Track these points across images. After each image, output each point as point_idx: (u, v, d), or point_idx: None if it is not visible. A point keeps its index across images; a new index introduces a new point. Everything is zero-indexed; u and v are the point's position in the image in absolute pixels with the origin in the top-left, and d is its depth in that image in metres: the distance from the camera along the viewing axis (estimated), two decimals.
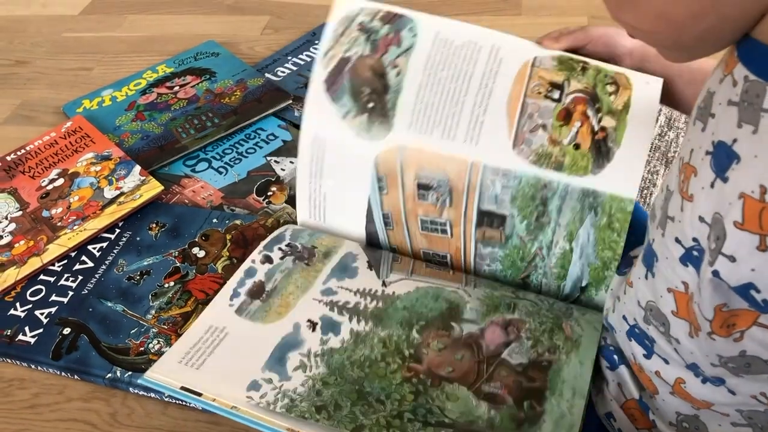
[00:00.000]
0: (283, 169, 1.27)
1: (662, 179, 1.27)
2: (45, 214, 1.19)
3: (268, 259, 0.96)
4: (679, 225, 0.61)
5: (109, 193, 1.21)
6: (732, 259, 0.54)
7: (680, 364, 0.68)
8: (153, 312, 1.03)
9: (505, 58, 0.93)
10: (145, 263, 1.10)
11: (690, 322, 0.63)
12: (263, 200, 1.22)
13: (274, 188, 1.24)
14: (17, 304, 1.07)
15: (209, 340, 0.86)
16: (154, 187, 1.21)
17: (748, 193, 0.52)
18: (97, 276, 1.09)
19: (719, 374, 0.64)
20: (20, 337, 1.02)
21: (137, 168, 1.25)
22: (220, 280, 0.96)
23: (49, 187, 1.24)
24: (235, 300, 0.91)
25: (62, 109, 1.48)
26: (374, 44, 0.97)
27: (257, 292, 0.92)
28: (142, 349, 0.98)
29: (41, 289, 1.09)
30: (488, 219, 0.91)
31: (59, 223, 1.17)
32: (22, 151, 1.33)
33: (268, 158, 1.30)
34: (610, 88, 0.91)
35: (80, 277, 1.10)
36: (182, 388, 0.80)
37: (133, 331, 1.01)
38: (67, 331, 1.02)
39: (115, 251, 1.13)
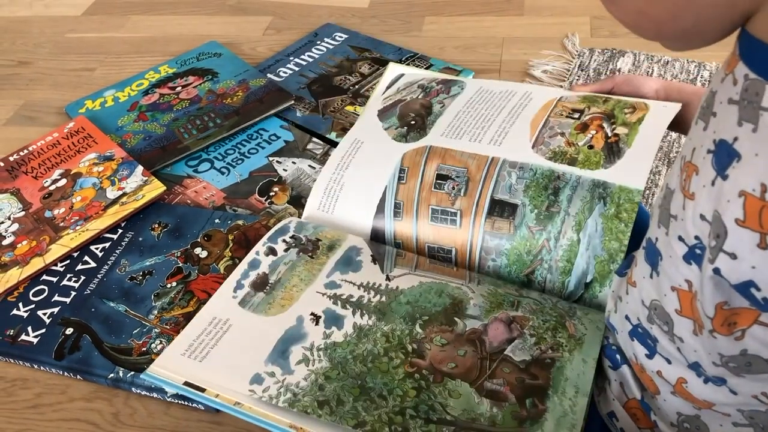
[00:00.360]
0: (285, 170, 1.27)
1: (664, 179, 1.27)
2: (47, 214, 1.19)
3: (272, 251, 0.97)
4: (682, 223, 0.61)
5: (111, 193, 1.21)
6: (733, 256, 0.53)
7: (682, 364, 0.68)
8: (155, 312, 1.03)
9: (535, 98, 1.07)
10: (148, 263, 1.10)
11: (694, 320, 0.63)
12: (265, 200, 1.22)
13: (276, 188, 1.24)
14: (20, 304, 1.07)
15: (212, 332, 0.86)
16: (156, 188, 1.21)
17: (749, 191, 0.52)
18: (99, 276, 1.09)
19: (721, 374, 0.64)
20: (23, 337, 1.02)
21: (140, 168, 1.25)
22: (222, 281, 0.96)
23: (52, 187, 1.24)
24: (238, 292, 0.91)
25: (65, 109, 1.48)
26: (427, 92, 1.15)
27: (261, 284, 0.92)
28: (144, 349, 0.98)
29: (44, 290, 1.09)
30: (499, 208, 0.94)
31: (62, 224, 1.17)
32: (25, 151, 1.33)
33: (270, 159, 1.30)
34: (628, 110, 1.00)
35: (83, 278, 1.10)
36: (185, 383, 0.80)
37: (135, 331, 1.01)
38: (69, 331, 1.02)
39: (117, 251, 1.13)
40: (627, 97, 1.03)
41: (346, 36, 1.63)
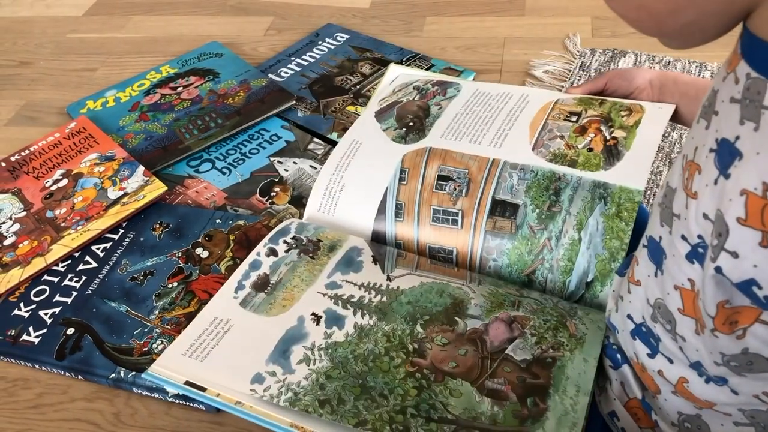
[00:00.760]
0: (286, 170, 1.27)
1: (665, 179, 1.27)
2: (49, 214, 1.19)
3: (273, 252, 0.97)
4: (685, 222, 0.61)
5: (112, 193, 1.21)
6: (735, 255, 0.53)
7: (684, 363, 0.68)
8: (156, 312, 1.03)
9: (532, 101, 1.09)
10: (149, 264, 1.10)
11: (696, 319, 0.63)
12: (266, 201, 1.22)
13: (277, 189, 1.24)
14: (21, 305, 1.07)
15: (214, 332, 0.86)
16: (157, 188, 1.21)
17: (751, 190, 0.51)
18: (100, 276, 1.09)
19: (722, 374, 0.64)
20: (24, 337, 1.02)
21: (141, 168, 1.25)
22: (223, 281, 0.96)
23: (53, 187, 1.25)
24: (239, 292, 0.91)
25: (66, 109, 1.48)
26: (423, 94, 1.16)
27: (262, 284, 0.92)
28: (145, 349, 0.98)
29: (45, 290, 1.09)
30: (501, 208, 0.95)
31: (63, 224, 1.17)
32: (26, 151, 1.33)
33: (272, 159, 1.30)
34: (624, 113, 1.01)
35: (84, 278, 1.10)
36: (186, 383, 0.80)
37: (136, 331, 1.01)
38: (70, 331, 1.02)
39: (118, 252, 1.13)
40: (622, 99, 1.04)
41: (348, 36, 1.63)
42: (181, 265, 1.09)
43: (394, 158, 1.03)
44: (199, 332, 0.86)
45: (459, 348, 0.82)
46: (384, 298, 0.89)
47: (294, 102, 1.41)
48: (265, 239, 0.99)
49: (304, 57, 1.57)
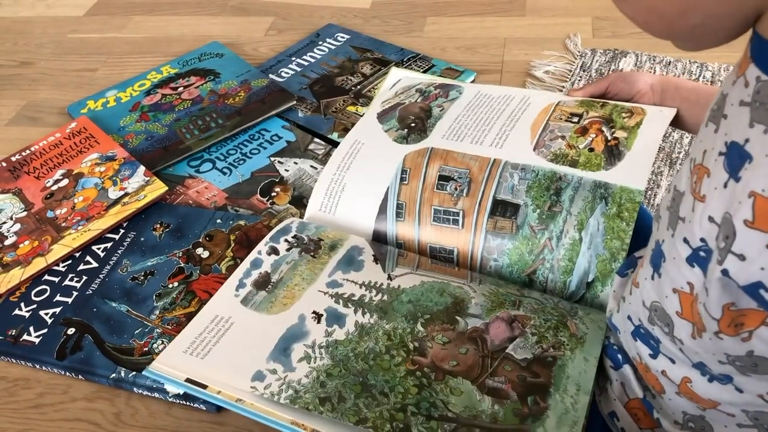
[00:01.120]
0: (287, 170, 1.27)
1: (666, 180, 1.27)
2: (50, 214, 1.19)
3: (274, 251, 0.97)
4: (689, 225, 0.61)
5: (113, 193, 1.21)
6: (741, 257, 0.53)
7: (687, 364, 0.68)
8: (157, 312, 1.03)
9: (534, 102, 1.09)
10: (150, 264, 1.11)
11: (693, 323, 0.62)
12: (267, 201, 1.22)
13: (277, 189, 1.24)
14: (22, 304, 1.07)
15: (214, 330, 0.86)
16: (158, 188, 1.21)
17: (759, 192, 0.51)
18: (101, 276, 1.09)
19: (727, 372, 0.64)
20: (25, 337, 1.02)
21: (141, 168, 1.25)
22: (223, 281, 0.96)
23: (54, 187, 1.25)
24: (240, 290, 0.91)
25: (67, 109, 1.48)
26: (425, 96, 1.16)
27: (263, 283, 0.92)
28: (146, 349, 0.98)
29: (46, 290, 1.09)
30: (501, 208, 0.95)
31: (64, 224, 1.17)
32: (27, 151, 1.33)
33: (272, 159, 1.30)
34: (625, 115, 1.02)
35: (85, 278, 1.10)
36: (187, 380, 0.80)
37: (137, 331, 1.01)
38: (71, 331, 1.02)
39: (119, 252, 1.13)
40: (623, 102, 1.04)
41: (348, 36, 1.63)
42: (182, 265, 1.09)
43: (395, 158, 1.03)
44: (200, 330, 0.86)
45: (460, 347, 0.82)
46: (385, 297, 0.89)
47: (294, 102, 1.41)
48: (267, 238, 0.99)
49: (304, 57, 1.57)
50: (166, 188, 1.21)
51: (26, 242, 1.15)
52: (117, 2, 1.90)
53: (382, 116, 1.13)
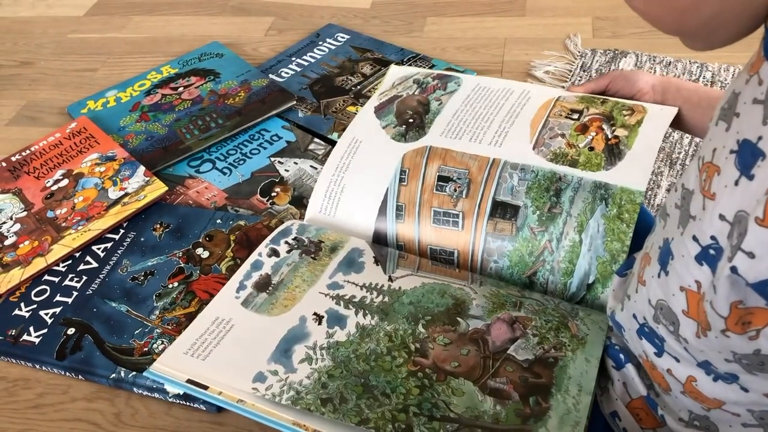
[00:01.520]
0: (287, 170, 1.27)
1: (666, 180, 1.27)
2: (50, 214, 1.19)
3: (274, 253, 0.97)
4: (699, 223, 0.61)
5: (113, 193, 1.21)
6: (751, 255, 0.53)
7: (691, 363, 0.68)
8: (157, 312, 1.03)
9: (533, 97, 1.08)
10: (150, 264, 1.10)
11: (698, 322, 0.62)
12: (267, 201, 1.22)
13: (277, 189, 1.24)
14: (22, 305, 1.07)
15: (215, 332, 0.86)
16: (158, 188, 1.21)
17: None
18: (101, 276, 1.09)
19: (733, 370, 0.64)
20: (25, 337, 1.02)
21: (141, 169, 1.25)
22: (224, 281, 0.96)
23: (54, 187, 1.24)
24: (241, 292, 0.91)
25: (67, 109, 1.48)
26: (423, 88, 1.14)
27: (264, 284, 0.92)
28: (146, 349, 0.98)
29: (46, 290, 1.09)
30: (501, 210, 0.94)
31: (64, 224, 1.17)
32: (27, 151, 1.33)
33: (272, 159, 1.30)
34: (626, 112, 1.01)
35: (84, 278, 1.10)
36: (188, 380, 0.80)
37: (137, 331, 1.01)
38: (71, 331, 1.02)
39: (119, 252, 1.13)
40: (624, 100, 1.03)
41: (348, 36, 1.63)
42: (182, 265, 1.09)
43: (394, 158, 1.02)
44: (200, 332, 0.86)
45: (461, 348, 0.82)
46: (386, 299, 0.89)
47: (294, 102, 1.41)
48: (267, 240, 0.99)
49: (304, 57, 1.57)
50: (166, 188, 1.21)
51: (26, 242, 1.15)
52: (117, 2, 1.90)
53: (380, 110, 1.12)
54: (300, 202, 1.20)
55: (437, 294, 0.89)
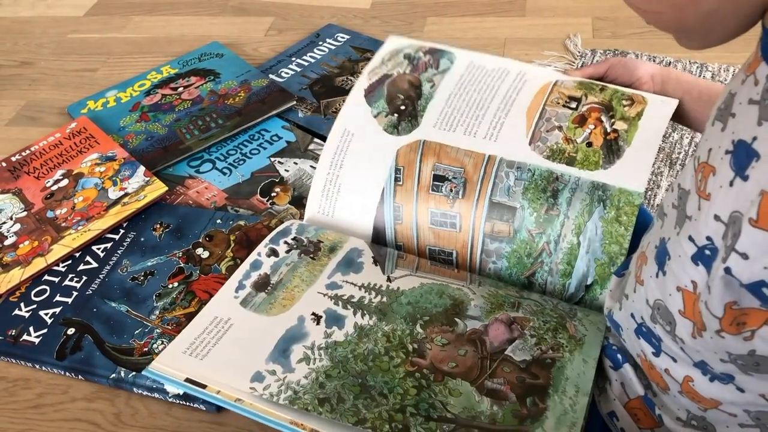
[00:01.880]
0: (287, 170, 1.27)
1: (666, 180, 1.27)
2: (49, 214, 1.19)
3: (273, 252, 0.97)
4: (695, 224, 0.61)
5: (113, 193, 1.21)
6: (745, 256, 0.53)
7: (688, 363, 0.68)
8: (157, 312, 1.03)
9: (530, 80, 1.04)
10: (149, 264, 1.11)
11: (694, 322, 0.63)
12: (267, 201, 1.22)
13: (277, 189, 1.24)
14: (22, 305, 1.07)
15: (214, 331, 0.86)
16: (158, 188, 1.21)
17: (766, 190, 0.52)
18: (101, 276, 1.10)
19: (728, 370, 0.64)
20: (25, 337, 1.02)
21: (141, 169, 1.25)
22: (223, 281, 0.96)
23: (54, 187, 1.25)
24: (240, 292, 0.91)
25: (67, 109, 1.48)
26: (414, 65, 1.09)
27: (262, 284, 0.92)
28: (146, 349, 0.98)
29: (45, 290, 1.09)
30: (498, 212, 0.93)
31: (64, 224, 1.17)
32: (27, 151, 1.33)
33: (272, 159, 1.30)
34: (626, 102, 0.98)
35: (84, 278, 1.10)
36: (187, 379, 0.80)
37: (137, 331, 1.01)
38: (71, 331, 1.02)
39: (119, 252, 1.13)
40: (623, 88, 1.01)
41: (348, 37, 1.63)
42: (182, 265, 1.09)
43: (387, 154, 1.01)
44: (199, 331, 0.86)
45: (458, 348, 0.82)
46: (384, 299, 0.89)
47: (294, 102, 1.41)
48: (266, 240, 0.99)
49: (304, 57, 1.57)
50: (166, 188, 1.21)
51: (26, 242, 1.15)
52: (117, 2, 1.90)
53: (371, 93, 1.08)
54: (300, 202, 1.20)
55: (435, 294, 0.89)
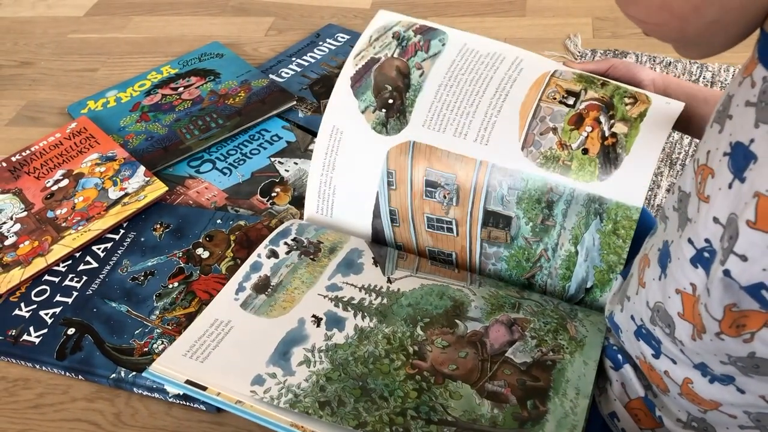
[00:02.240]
0: (287, 170, 1.27)
1: (666, 180, 1.27)
2: (50, 214, 1.19)
3: (273, 254, 0.97)
4: (694, 226, 0.61)
5: (113, 193, 1.21)
6: (743, 258, 0.53)
7: (688, 365, 0.68)
8: (157, 312, 1.03)
9: (526, 69, 0.96)
10: (150, 264, 1.11)
11: (694, 324, 0.63)
12: (267, 201, 1.22)
13: (278, 189, 1.24)
14: (22, 305, 1.07)
15: (214, 334, 0.85)
16: (158, 188, 1.21)
17: (763, 192, 0.51)
18: (101, 276, 1.10)
19: (729, 372, 0.64)
20: (25, 337, 1.02)
21: (142, 169, 1.25)
22: (224, 281, 0.96)
23: (54, 187, 1.25)
24: (240, 294, 0.91)
25: (67, 110, 1.48)
26: (404, 48, 1.02)
27: (262, 286, 0.92)
28: (146, 349, 0.98)
29: (46, 290, 1.09)
30: (494, 219, 0.92)
31: (64, 224, 1.17)
32: (27, 151, 1.33)
33: (272, 159, 1.30)
34: (628, 100, 0.91)
35: (85, 278, 1.10)
36: (187, 381, 0.80)
37: (137, 331, 1.01)
38: (71, 331, 1.02)
39: (119, 252, 1.13)
40: (627, 85, 0.94)
41: (348, 37, 1.63)
42: (182, 265, 1.09)
43: (378, 157, 0.97)
44: (199, 333, 0.86)
45: (459, 350, 0.82)
46: (384, 301, 0.89)
47: (295, 102, 1.41)
48: (266, 241, 0.99)
49: (304, 57, 1.57)
50: (166, 188, 1.21)
51: (26, 242, 1.15)
52: (117, 2, 1.90)
53: (357, 84, 1.01)
54: (300, 202, 1.20)
55: (436, 296, 0.89)
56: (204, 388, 0.79)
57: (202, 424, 0.93)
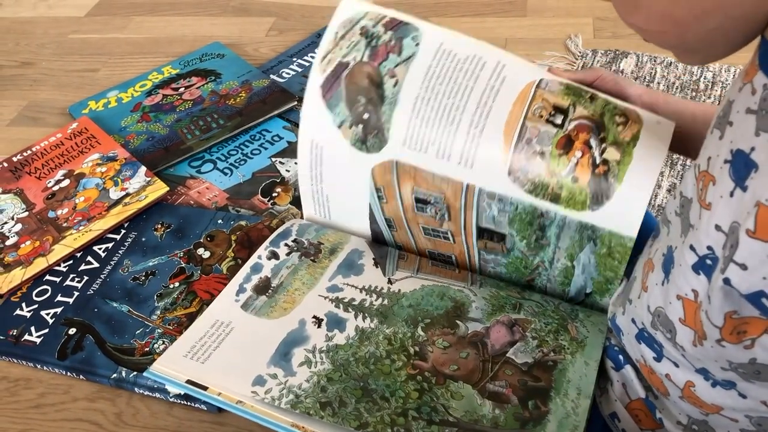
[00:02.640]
0: (287, 171, 1.27)
1: (667, 181, 1.27)
2: (51, 214, 1.20)
3: (274, 255, 0.96)
4: (697, 233, 0.61)
5: (114, 194, 1.21)
6: (743, 267, 0.53)
7: (690, 369, 0.68)
8: (158, 312, 1.03)
9: (509, 77, 0.87)
10: (151, 264, 1.11)
11: (695, 330, 0.63)
12: (268, 201, 1.22)
13: (278, 189, 1.24)
14: (23, 305, 1.07)
15: (215, 335, 0.85)
16: (159, 188, 1.21)
17: (764, 202, 0.51)
18: (102, 276, 1.10)
19: (730, 377, 0.64)
20: (26, 337, 1.03)
21: (143, 169, 1.25)
22: (225, 281, 0.96)
23: (55, 187, 1.25)
24: (241, 295, 0.91)
25: (68, 110, 1.49)
26: (374, 50, 0.91)
27: (263, 287, 0.92)
28: (147, 349, 0.98)
29: (47, 290, 1.09)
30: (488, 234, 0.90)
31: (65, 224, 1.17)
32: (28, 152, 1.33)
33: (273, 159, 1.30)
34: (619, 119, 0.84)
35: (86, 278, 1.10)
36: (188, 381, 0.80)
37: (138, 331, 1.01)
38: (72, 331, 1.02)
39: (120, 252, 1.13)
40: (616, 100, 0.87)
41: None
42: (183, 265, 1.10)
43: (364, 172, 0.92)
44: (200, 334, 0.86)
45: (460, 351, 0.82)
46: (385, 302, 0.89)
47: (295, 103, 1.41)
48: (267, 242, 0.99)
49: (305, 58, 1.57)
50: (167, 188, 1.22)
51: (27, 242, 1.15)
52: (118, 3, 1.90)
53: (328, 95, 0.91)
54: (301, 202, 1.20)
55: (436, 296, 0.89)
56: (205, 388, 0.79)
57: (204, 424, 0.93)
